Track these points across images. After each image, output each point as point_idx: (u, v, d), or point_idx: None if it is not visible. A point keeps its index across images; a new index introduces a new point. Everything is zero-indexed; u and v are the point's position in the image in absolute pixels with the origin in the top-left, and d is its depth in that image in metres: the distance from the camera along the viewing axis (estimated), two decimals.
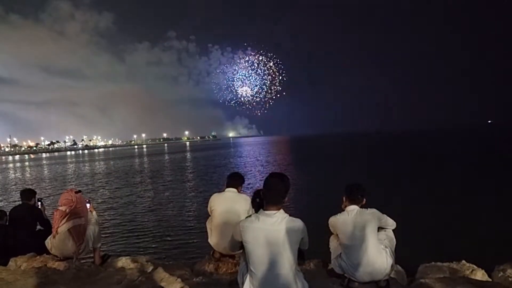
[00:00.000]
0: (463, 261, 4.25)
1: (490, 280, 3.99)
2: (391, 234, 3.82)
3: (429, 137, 77.82)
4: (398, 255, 3.86)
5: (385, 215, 3.75)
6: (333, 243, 3.98)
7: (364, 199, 3.80)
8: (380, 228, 3.73)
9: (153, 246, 9.19)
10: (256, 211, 3.72)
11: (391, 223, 3.78)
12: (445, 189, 15.45)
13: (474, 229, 9.18)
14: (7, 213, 5.60)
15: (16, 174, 43.30)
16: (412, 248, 6.15)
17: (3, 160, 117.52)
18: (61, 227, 4.75)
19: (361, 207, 3.74)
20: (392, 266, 3.69)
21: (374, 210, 3.72)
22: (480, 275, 4.02)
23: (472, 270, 4.07)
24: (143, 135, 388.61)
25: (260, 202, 3.76)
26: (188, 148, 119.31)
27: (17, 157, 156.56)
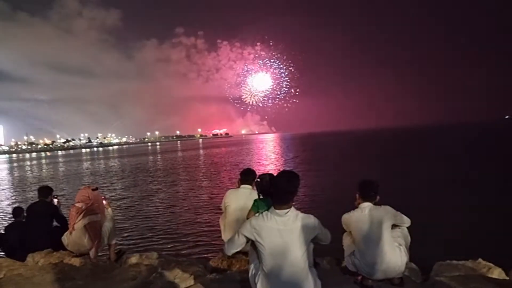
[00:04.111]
0: (480, 259, 4.18)
1: (507, 278, 3.93)
2: (406, 232, 3.79)
3: (440, 133, 76.83)
4: (413, 253, 3.82)
5: (399, 212, 3.72)
6: (346, 241, 3.95)
7: (378, 196, 3.77)
8: (394, 226, 3.69)
9: (167, 242, 9.25)
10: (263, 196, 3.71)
11: (406, 221, 3.74)
12: (461, 185, 15.24)
13: (492, 226, 9.04)
14: (24, 210, 5.73)
15: (33, 172, 44.08)
16: (427, 246, 6.08)
17: (20, 157, 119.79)
18: (78, 224, 4.83)
19: (374, 204, 3.72)
20: (406, 264, 3.66)
21: (387, 207, 3.69)
22: (497, 273, 3.95)
23: (489, 269, 4.00)
24: (157, 132, 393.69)
25: (264, 190, 3.71)
26: (201, 145, 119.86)
27: (33, 154, 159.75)
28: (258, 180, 3.80)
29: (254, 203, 3.79)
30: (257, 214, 3.05)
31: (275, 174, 3.10)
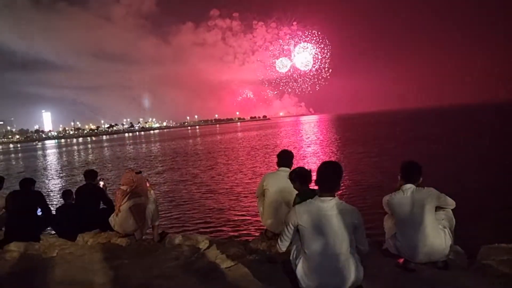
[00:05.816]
0: None
1: None
2: (451, 214, 3.68)
3: (495, 112, 73.04)
4: (459, 236, 3.71)
5: (443, 194, 3.61)
6: (387, 223, 3.90)
7: (421, 178, 3.66)
8: (439, 208, 3.59)
9: (208, 224, 9.44)
10: (299, 190, 3.80)
11: (450, 202, 3.62)
12: (508, 164, 14.49)
13: None
14: (73, 193, 6.02)
15: (80, 156, 46.15)
16: (474, 228, 5.87)
17: (68, 142, 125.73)
18: (123, 206, 5.03)
19: (417, 186, 3.62)
20: (451, 246, 3.56)
21: (431, 189, 3.58)
22: None
23: None
24: (196, 116, 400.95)
25: (301, 181, 3.88)
26: (239, 128, 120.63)
27: (80, 139, 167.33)
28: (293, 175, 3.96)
29: (295, 199, 3.82)
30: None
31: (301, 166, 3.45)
